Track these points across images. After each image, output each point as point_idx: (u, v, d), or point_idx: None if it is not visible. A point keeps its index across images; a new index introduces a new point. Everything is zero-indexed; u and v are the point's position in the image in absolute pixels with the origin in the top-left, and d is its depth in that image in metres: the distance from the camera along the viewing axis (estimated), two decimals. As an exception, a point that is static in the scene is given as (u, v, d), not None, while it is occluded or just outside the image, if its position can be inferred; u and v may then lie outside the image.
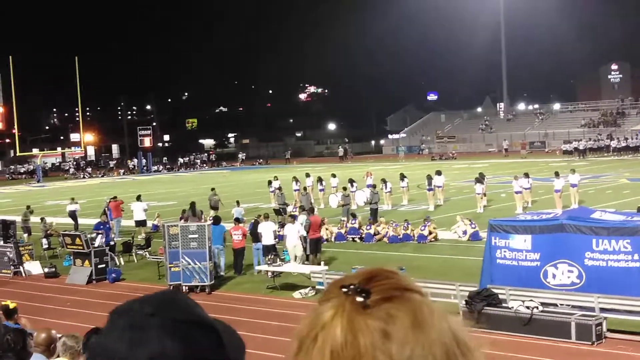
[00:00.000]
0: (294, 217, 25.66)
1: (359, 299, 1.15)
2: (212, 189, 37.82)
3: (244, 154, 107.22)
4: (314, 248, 24.83)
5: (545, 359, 14.82)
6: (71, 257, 26.24)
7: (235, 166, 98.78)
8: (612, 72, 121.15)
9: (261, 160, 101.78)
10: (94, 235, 26.45)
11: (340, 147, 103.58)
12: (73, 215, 35.90)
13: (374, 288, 1.16)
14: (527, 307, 16.33)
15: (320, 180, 42.79)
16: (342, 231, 30.11)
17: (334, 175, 43.82)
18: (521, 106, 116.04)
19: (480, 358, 1.19)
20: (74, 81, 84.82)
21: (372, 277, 1.19)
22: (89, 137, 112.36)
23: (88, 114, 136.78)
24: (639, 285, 16.35)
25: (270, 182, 42.83)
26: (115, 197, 35.83)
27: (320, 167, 69.10)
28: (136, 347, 1.27)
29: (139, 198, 35.11)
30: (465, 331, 1.19)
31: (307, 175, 44.61)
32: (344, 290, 1.17)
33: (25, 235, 32.41)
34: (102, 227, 28.12)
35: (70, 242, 25.86)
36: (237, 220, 26.14)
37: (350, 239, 29.68)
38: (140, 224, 33.71)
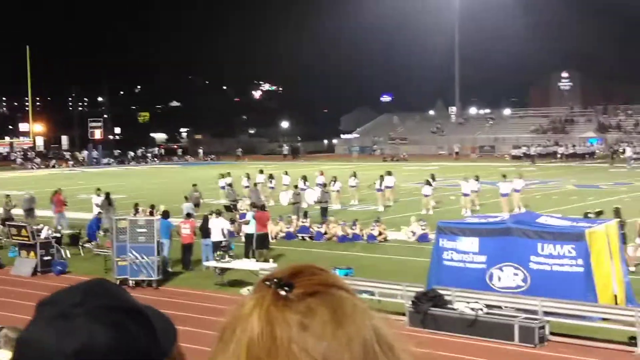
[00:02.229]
0: (219, 213, 25.57)
1: (281, 292, 1.15)
2: (194, 185, 37.05)
3: (201, 149, 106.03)
4: (260, 244, 24.88)
5: (489, 360, 15.02)
6: (17, 248, 25.85)
7: (187, 161, 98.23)
8: (563, 80, 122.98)
9: (213, 156, 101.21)
10: (40, 226, 26.19)
11: (285, 145, 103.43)
12: None
13: (298, 282, 1.16)
14: (472, 309, 16.54)
15: (271, 177, 42.74)
16: (292, 229, 30.12)
17: (286, 173, 43.82)
18: (472, 110, 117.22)
19: (404, 357, 1.18)
20: (24, 70, 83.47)
21: (298, 272, 1.19)
22: (38, 127, 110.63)
23: (38, 103, 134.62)
24: (582, 289, 16.67)
25: (222, 176, 42.51)
26: (58, 190, 34.83)
27: (273, 165, 69.04)
28: (64, 337, 1.23)
29: (99, 192, 34.51)
30: (390, 330, 1.18)
31: (261, 171, 44.61)
32: (267, 283, 1.17)
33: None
34: (100, 221, 29.19)
35: (15, 233, 25.49)
36: (188, 215, 26.03)
37: (300, 238, 29.71)
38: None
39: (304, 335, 1.12)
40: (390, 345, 1.17)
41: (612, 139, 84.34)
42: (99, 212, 30.96)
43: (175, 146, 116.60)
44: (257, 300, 1.16)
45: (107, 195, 32.62)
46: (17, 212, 33.91)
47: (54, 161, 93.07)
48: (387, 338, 1.17)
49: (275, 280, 1.18)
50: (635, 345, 15.18)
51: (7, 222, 28.64)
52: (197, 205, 34.03)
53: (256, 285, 1.21)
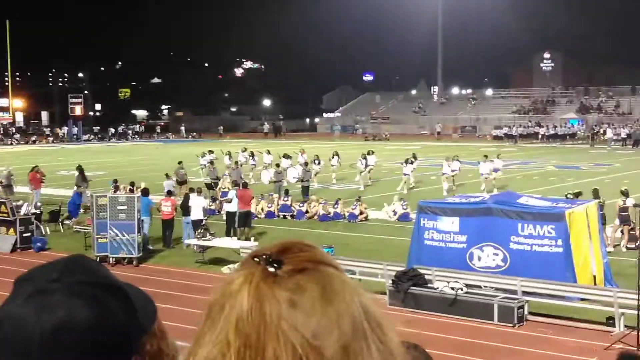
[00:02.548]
0: (199, 191, 25.54)
1: (270, 268, 1.14)
2: (179, 163, 36.52)
3: (183, 126, 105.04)
4: (242, 222, 24.90)
5: (468, 339, 15.13)
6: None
7: (168, 138, 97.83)
8: (545, 61, 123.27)
9: (194, 133, 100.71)
10: (20, 202, 26.02)
11: (266, 123, 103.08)
12: None
13: (287, 259, 1.15)
14: (452, 288, 16.63)
15: (252, 155, 42.70)
16: (273, 208, 30.11)
17: (268, 152, 43.79)
18: (455, 90, 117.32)
19: (392, 335, 1.17)
20: (4, 45, 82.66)
21: (286, 248, 1.18)
22: (18, 102, 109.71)
23: (18, 79, 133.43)
24: (561, 270, 16.81)
25: (204, 154, 42.39)
26: (35, 168, 34.39)
27: (254, 143, 68.94)
28: (43, 313, 1.23)
29: (79, 169, 34.14)
30: (378, 308, 1.18)
31: (244, 149, 44.58)
32: (256, 259, 1.16)
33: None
34: (80, 197, 28.54)
35: (-5, 209, 25.32)
36: (169, 193, 25.95)
37: (282, 216, 29.73)
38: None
39: (294, 312, 1.11)
40: (379, 323, 1.16)
41: (592, 120, 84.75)
42: (78, 187, 30.74)
43: (162, 123, 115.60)
44: (245, 276, 1.15)
45: (81, 170, 32.12)
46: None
47: (35, 136, 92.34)
48: (375, 316, 1.17)
49: (264, 256, 1.16)
50: (613, 325, 15.33)
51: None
52: (183, 182, 33.83)
53: (244, 261, 1.19)
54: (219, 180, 36.33)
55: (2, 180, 34.26)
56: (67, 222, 27.75)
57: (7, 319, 1.26)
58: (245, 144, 51.61)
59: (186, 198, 25.20)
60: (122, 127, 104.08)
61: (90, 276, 1.31)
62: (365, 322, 1.14)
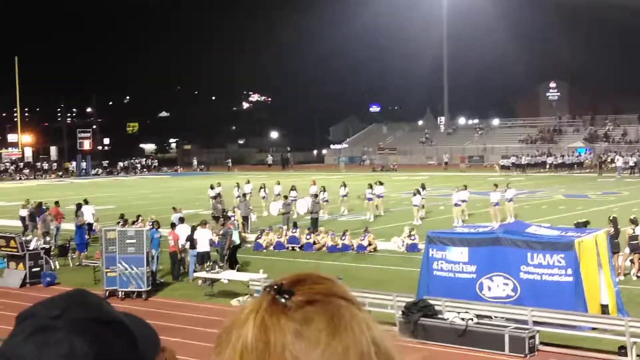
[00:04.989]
0: (205, 223, 25.55)
1: (281, 299, 1.14)
2: (215, 198, 36.71)
3: (195, 159, 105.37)
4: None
5: (479, 371, 15.01)
6: (5, 260, 25.70)
7: (176, 171, 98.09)
8: (551, 90, 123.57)
9: (202, 166, 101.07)
10: (29, 237, 26.05)
11: (269, 155, 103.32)
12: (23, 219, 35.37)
13: (298, 290, 1.15)
14: (462, 319, 16.53)
15: (263, 187, 42.72)
16: (282, 240, 30.08)
17: (278, 183, 43.83)
18: (461, 120, 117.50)
19: None
20: (13, 81, 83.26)
21: (300, 280, 1.18)
22: (27, 138, 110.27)
23: (27, 114, 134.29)
24: (572, 299, 16.71)
25: (212, 187, 42.44)
26: (57, 202, 34.95)
27: (263, 175, 69.03)
28: (44, 350, 1.24)
29: (86, 202, 34.36)
30: (391, 342, 1.16)
31: (248, 182, 44.60)
32: (267, 289, 1.17)
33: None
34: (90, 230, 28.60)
35: (4, 244, 25.33)
36: (173, 226, 25.92)
37: (290, 248, 29.68)
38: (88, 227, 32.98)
39: (298, 342, 1.10)
40: (390, 358, 1.15)
41: (600, 149, 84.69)
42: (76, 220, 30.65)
43: (154, 159, 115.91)
44: (254, 305, 1.16)
45: (78, 205, 32.34)
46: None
47: (47, 167, 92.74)
48: (387, 350, 1.15)
49: (275, 287, 1.17)
50: (625, 354, 15.20)
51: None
52: (218, 217, 33.70)
53: (261, 291, 1.20)
54: (226, 212, 36.28)
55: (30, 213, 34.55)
56: (75, 256, 27.74)
57: (9, 356, 1.26)
58: (251, 176, 51.58)
59: (192, 231, 25.16)
60: (131, 160, 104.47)
61: (92, 312, 1.31)
62: (375, 356, 1.13)
